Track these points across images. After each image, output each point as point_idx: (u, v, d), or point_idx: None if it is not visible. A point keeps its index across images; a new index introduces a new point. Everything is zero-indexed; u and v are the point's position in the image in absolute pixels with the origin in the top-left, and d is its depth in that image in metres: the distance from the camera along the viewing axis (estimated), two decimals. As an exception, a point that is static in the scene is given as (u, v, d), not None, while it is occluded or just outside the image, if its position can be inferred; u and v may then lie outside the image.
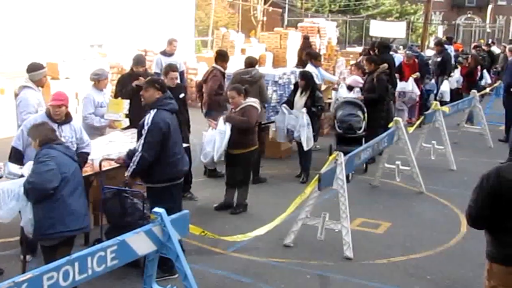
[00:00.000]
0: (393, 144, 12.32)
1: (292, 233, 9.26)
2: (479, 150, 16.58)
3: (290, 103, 13.05)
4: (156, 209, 6.15)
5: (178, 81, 11.57)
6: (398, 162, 12.47)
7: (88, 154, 8.60)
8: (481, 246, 5.73)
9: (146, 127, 7.86)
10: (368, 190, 12.55)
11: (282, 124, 12.91)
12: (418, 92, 19.11)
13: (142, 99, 8.25)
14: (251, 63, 13.35)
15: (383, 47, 18.52)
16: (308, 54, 17.47)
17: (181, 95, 11.20)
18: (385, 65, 14.69)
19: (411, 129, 13.91)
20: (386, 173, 12.68)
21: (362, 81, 14.86)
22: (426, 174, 12.95)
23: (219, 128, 10.68)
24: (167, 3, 25.86)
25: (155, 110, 7.96)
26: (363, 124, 13.42)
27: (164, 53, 15.95)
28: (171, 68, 11.16)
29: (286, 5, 55.08)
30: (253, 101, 10.93)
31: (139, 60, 11.98)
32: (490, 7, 70.63)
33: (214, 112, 12.29)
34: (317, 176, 8.79)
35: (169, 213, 6.20)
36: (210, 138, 10.72)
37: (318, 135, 13.50)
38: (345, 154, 9.46)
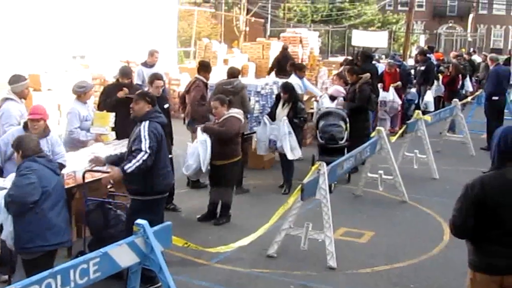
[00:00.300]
0: (376, 153, 12.36)
1: (276, 244, 9.27)
2: (461, 158, 16.65)
3: (272, 115, 13.04)
4: (139, 221, 6.14)
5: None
6: (381, 171, 12.52)
7: (62, 165, 8.51)
8: (464, 255, 5.76)
9: (144, 134, 7.81)
10: (351, 200, 12.57)
11: (264, 135, 12.85)
12: (399, 102, 19.20)
13: (131, 111, 8.20)
14: (233, 73, 13.37)
15: (366, 57, 18.63)
16: (292, 65, 17.54)
17: (166, 106, 11.22)
18: (368, 75, 14.73)
19: (393, 138, 14.01)
20: (369, 183, 12.72)
21: (344, 91, 14.84)
22: (409, 183, 13.00)
23: (199, 138, 10.70)
24: (150, 14, 25.83)
25: (147, 121, 7.93)
26: (345, 135, 13.37)
27: (145, 64, 15.94)
28: (156, 77, 11.18)
29: (269, 16, 55.24)
30: (236, 112, 10.95)
31: (125, 72, 12.00)
32: (471, 16, 71.08)
33: (197, 122, 12.29)
34: (300, 186, 8.81)
35: (151, 225, 6.19)
36: (193, 150, 10.71)
37: (301, 146, 13.49)
38: (327, 164, 9.47)
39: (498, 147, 5.51)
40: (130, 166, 7.70)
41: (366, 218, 11.52)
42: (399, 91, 19.33)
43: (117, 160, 8.22)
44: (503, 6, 78.94)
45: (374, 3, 66.69)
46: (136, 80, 15.23)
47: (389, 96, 18.94)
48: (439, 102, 21.59)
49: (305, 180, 9.05)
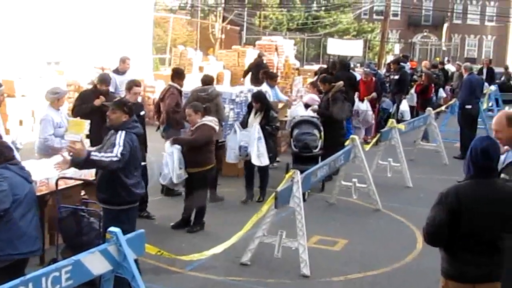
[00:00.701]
0: (350, 161, 12.40)
1: (249, 251, 9.26)
2: (434, 167, 16.75)
3: (244, 124, 12.92)
4: (112, 229, 6.11)
5: None
6: (354, 180, 12.56)
7: None
8: (436, 263, 5.80)
9: (119, 141, 7.67)
10: (325, 208, 12.60)
11: (234, 143, 12.66)
12: (372, 114, 19.31)
13: (108, 120, 8.03)
14: (207, 81, 13.40)
15: (343, 65, 18.71)
16: (265, 73, 17.57)
17: (142, 113, 11.22)
18: (341, 83, 14.76)
19: (367, 147, 14.08)
20: (343, 191, 12.76)
21: (319, 99, 14.89)
22: (383, 191, 13.05)
23: (167, 150, 10.73)
24: (125, 20, 25.76)
25: (124, 131, 7.75)
26: (319, 143, 13.40)
27: (116, 71, 15.93)
28: (134, 83, 11.20)
29: (245, 23, 55.31)
30: (209, 120, 10.95)
31: (104, 79, 12.01)
32: (445, 25, 71.65)
33: (172, 129, 12.30)
34: (273, 194, 8.82)
35: (123, 234, 6.16)
36: (167, 160, 10.73)
37: (276, 154, 13.46)
38: (301, 172, 9.49)
39: (471, 158, 5.57)
40: (96, 155, 7.45)
41: (340, 226, 11.55)
42: (373, 101, 19.43)
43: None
44: (477, 16, 79.69)
45: (350, 12, 67.00)
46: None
47: (362, 106, 19.04)
48: (412, 111, 21.73)
49: (279, 188, 9.05)
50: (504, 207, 5.48)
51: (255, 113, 12.83)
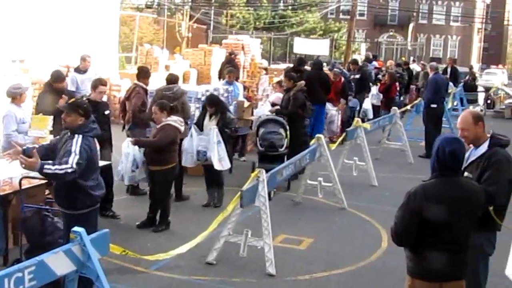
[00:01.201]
0: (316, 160, 12.44)
1: (215, 251, 9.25)
2: (400, 166, 16.89)
3: (199, 125, 12.54)
4: (76, 228, 6.07)
5: None
6: (320, 179, 12.61)
7: None
8: (402, 261, 5.84)
9: (75, 149, 7.49)
10: (290, 207, 12.63)
11: (191, 147, 12.22)
12: (335, 113, 19.39)
13: (63, 122, 7.76)
14: (172, 80, 13.34)
15: (315, 64, 18.74)
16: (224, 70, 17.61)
17: (106, 112, 11.17)
18: (302, 82, 14.74)
19: (333, 146, 14.13)
20: (308, 190, 12.80)
21: None
22: (348, 190, 13.12)
23: (124, 150, 10.67)
24: (91, 18, 25.56)
25: (81, 136, 7.49)
26: (285, 142, 13.39)
27: (78, 70, 15.88)
28: (100, 82, 11.16)
29: (211, 22, 55.25)
30: (174, 120, 10.88)
31: (58, 76, 11.88)
32: (411, 25, 72.23)
33: (137, 129, 12.25)
34: (239, 193, 8.82)
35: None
36: (123, 158, 10.73)
37: (231, 158, 13.02)
38: (267, 171, 9.50)
39: (437, 157, 5.61)
40: (50, 169, 7.17)
41: (306, 225, 11.58)
42: (336, 103, 19.49)
43: (44, 152, 7.73)
44: (443, 16, 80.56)
45: (316, 11, 67.23)
46: (69, 87, 15.03)
47: (332, 111, 19.17)
48: (378, 110, 21.86)
49: (245, 187, 9.06)
50: (469, 205, 5.54)
51: (210, 116, 12.50)
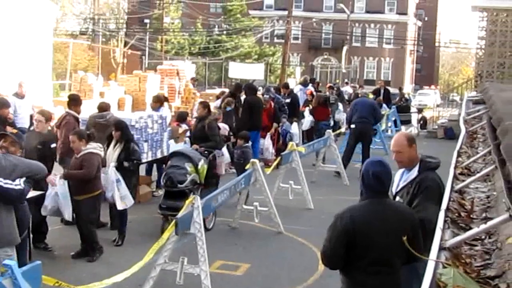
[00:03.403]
0: (251, 185, 12.47)
1: (151, 279, 9.15)
2: (335, 188, 16.99)
3: (103, 162, 11.37)
4: (7, 261, 5.99)
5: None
6: (256, 203, 12.64)
7: None
8: (338, 284, 5.92)
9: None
10: (227, 232, 12.61)
11: None
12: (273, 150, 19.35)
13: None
14: (103, 107, 13.31)
15: (250, 89, 18.79)
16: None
17: (53, 145, 11.12)
18: (216, 112, 14.71)
19: (268, 170, 14.17)
20: (244, 214, 12.81)
21: (220, 127, 14.67)
22: (285, 214, 13.16)
23: (58, 186, 10.33)
24: (24, 45, 25.26)
25: None
26: (190, 177, 12.21)
27: (16, 95, 15.97)
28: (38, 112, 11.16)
29: (146, 48, 55.15)
30: (93, 147, 10.63)
31: (3, 103, 11.87)
32: (345, 48, 73.10)
33: (69, 159, 12.09)
34: (174, 221, 8.79)
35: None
36: (50, 191, 10.38)
37: (134, 194, 12.32)
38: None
39: (363, 180, 5.71)
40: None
41: (242, 250, 11.59)
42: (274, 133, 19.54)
43: None
44: (376, 39, 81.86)
45: (251, 35, 67.70)
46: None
47: (266, 142, 19.13)
48: (308, 134, 22.04)
49: (179, 215, 9.04)
50: (398, 225, 5.61)
51: (115, 144, 11.96)
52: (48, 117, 11.51)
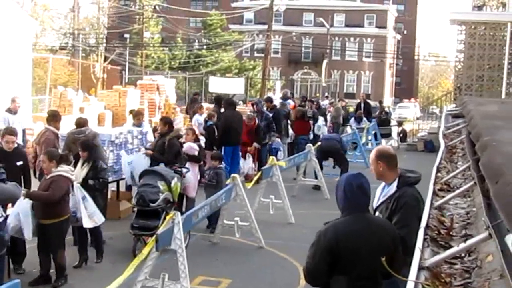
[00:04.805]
0: (232, 200, 12.44)
1: (132, 296, 9.14)
2: (316, 202, 17.00)
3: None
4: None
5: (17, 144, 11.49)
6: (237, 218, 12.63)
7: None
8: (319, 299, 5.87)
9: None
10: (208, 247, 12.57)
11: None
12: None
13: None
14: (81, 123, 13.28)
15: (229, 104, 18.75)
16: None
17: (18, 163, 11.04)
18: (178, 128, 14.59)
19: (249, 185, 14.15)
20: (225, 230, 12.79)
21: (197, 148, 14.39)
22: (266, 229, 13.14)
23: (19, 203, 9.88)
24: (3, 60, 25.17)
25: None
26: (163, 196, 11.88)
27: (9, 110, 15.98)
28: (7, 131, 11.06)
29: (126, 63, 55.05)
30: (65, 171, 10.29)
31: None
32: (325, 62, 73.24)
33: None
34: (154, 237, 8.76)
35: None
36: (14, 209, 9.93)
37: (105, 211, 11.91)
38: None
39: (345, 194, 5.68)
40: None
41: (224, 265, 11.55)
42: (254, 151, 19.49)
43: None
44: (355, 53, 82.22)
45: (231, 50, 67.78)
46: (0, 126, 14.99)
47: (246, 163, 19.18)
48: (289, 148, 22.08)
49: (160, 230, 9.00)
50: (380, 239, 5.60)
51: (83, 164, 11.69)
52: (9, 133, 11.40)
